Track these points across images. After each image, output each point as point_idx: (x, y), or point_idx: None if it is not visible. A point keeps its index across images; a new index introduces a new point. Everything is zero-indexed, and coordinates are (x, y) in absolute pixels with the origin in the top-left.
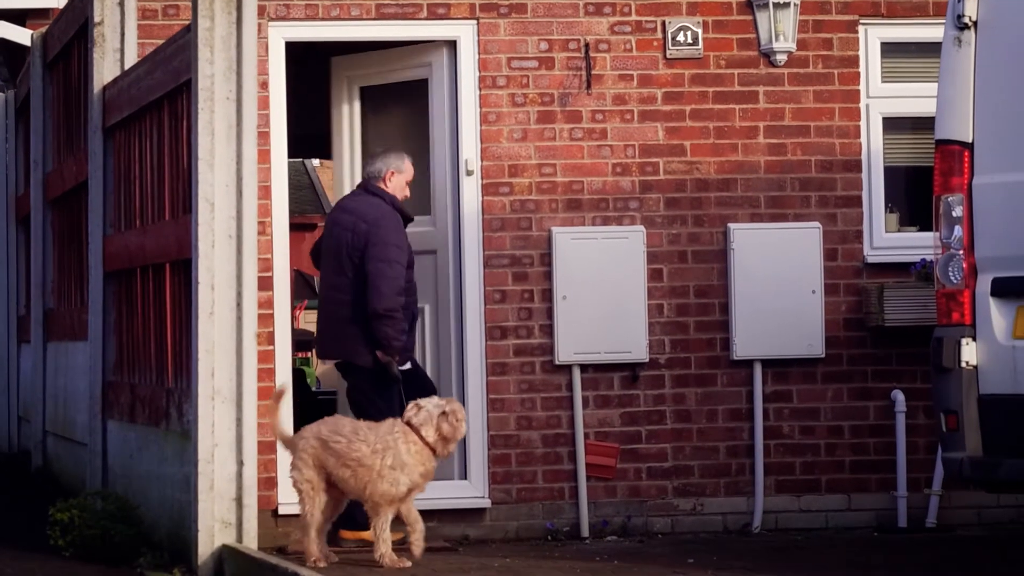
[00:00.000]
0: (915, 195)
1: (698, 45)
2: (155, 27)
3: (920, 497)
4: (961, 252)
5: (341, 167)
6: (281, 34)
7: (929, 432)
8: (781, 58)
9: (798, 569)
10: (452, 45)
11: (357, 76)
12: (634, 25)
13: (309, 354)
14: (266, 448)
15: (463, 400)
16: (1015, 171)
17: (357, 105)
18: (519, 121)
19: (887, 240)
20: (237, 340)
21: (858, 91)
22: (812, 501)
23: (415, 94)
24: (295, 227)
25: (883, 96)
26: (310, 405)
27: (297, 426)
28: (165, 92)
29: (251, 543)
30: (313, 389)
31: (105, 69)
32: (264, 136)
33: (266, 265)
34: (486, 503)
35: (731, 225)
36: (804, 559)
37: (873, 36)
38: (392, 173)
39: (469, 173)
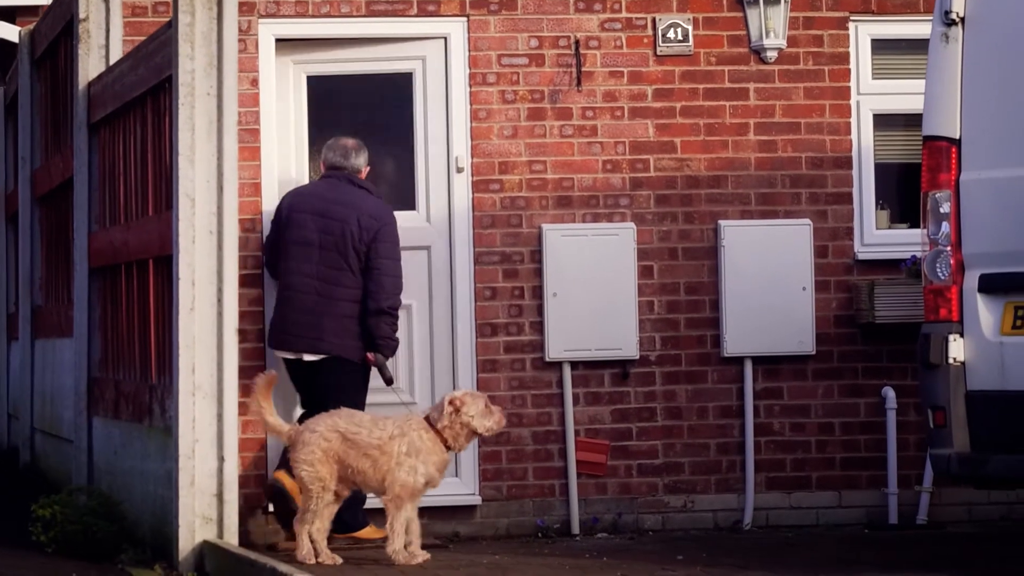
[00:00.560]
0: (906, 192)
1: (688, 42)
2: (144, 24)
3: (911, 494)
4: (948, 248)
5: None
6: (271, 31)
7: (920, 429)
8: (771, 55)
9: (788, 566)
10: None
11: (305, 62)
12: (624, 22)
13: None
14: (257, 445)
15: None
16: (1002, 167)
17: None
18: (509, 118)
19: (878, 237)
20: (218, 336)
21: (848, 88)
22: (803, 498)
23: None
24: None
25: (874, 93)
26: None
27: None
28: (148, 88)
29: (232, 539)
30: None
31: (90, 65)
32: (254, 133)
33: (257, 262)
34: (476, 500)
35: (721, 222)
36: (794, 556)
37: (863, 33)
38: (368, 168)
39: (459, 170)
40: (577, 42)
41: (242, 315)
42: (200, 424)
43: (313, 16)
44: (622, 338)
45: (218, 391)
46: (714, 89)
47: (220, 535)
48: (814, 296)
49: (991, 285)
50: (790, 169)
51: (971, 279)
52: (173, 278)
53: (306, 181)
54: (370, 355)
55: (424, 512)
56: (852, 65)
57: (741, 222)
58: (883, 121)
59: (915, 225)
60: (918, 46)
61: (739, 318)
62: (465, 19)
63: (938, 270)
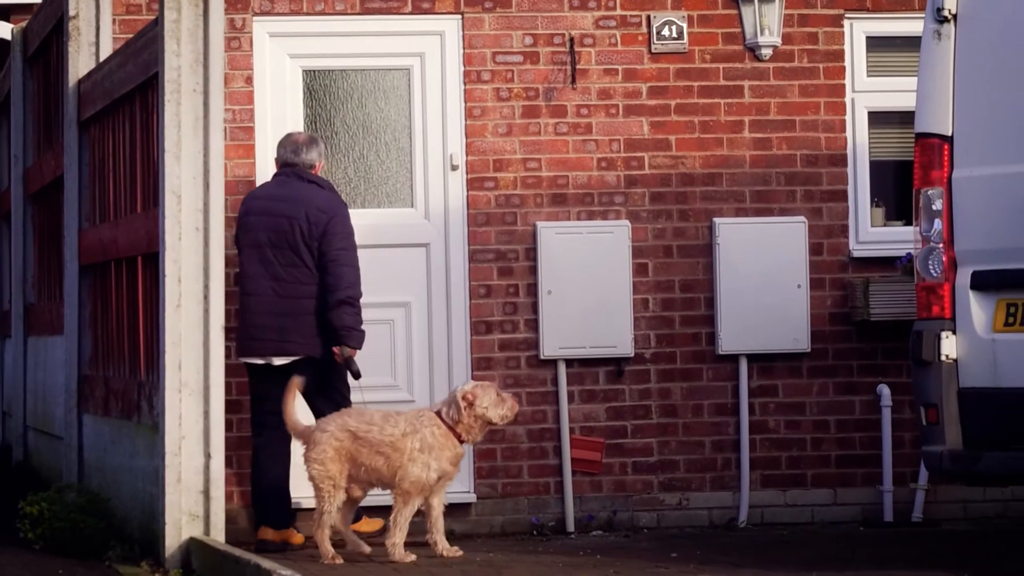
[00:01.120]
0: (901, 189)
1: (683, 39)
2: (139, 21)
3: (906, 491)
4: (941, 246)
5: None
6: (266, 29)
7: (915, 426)
8: (766, 52)
9: (783, 563)
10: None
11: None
12: (619, 19)
13: None
14: (249, 443)
15: None
16: (995, 164)
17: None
18: (504, 116)
19: (872, 234)
20: (204, 333)
21: (843, 85)
22: (798, 495)
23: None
24: None
25: (868, 90)
26: None
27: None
28: (136, 85)
29: (219, 536)
30: None
31: (80, 63)
32: (249, 131)
33: None
34: (471, 498)
35: (716, 219)
36: (789, 553)
37: (858, 30)
38: (321, 164)
39: (454, 168)
40: (572, 40)
41: (236, 313)
42: (187, 421)
43: (308, 14)
44: (617, 336)
45: (204, 388)
46: (709, 87)
47: (207, 532)
48: (809, 294)
49: (983, 282)
50: (785, 167)
51: (963, 276)
52: (159, 275)
53: None
54: (336, 349)
55: (421, 510)
56: (847, 62)
57: (736, 220)
58: (878, 119)
59: (910, 223)
60: (913, 43)
61: (734, 316)
62: (460, 17)
63: (930, 267)
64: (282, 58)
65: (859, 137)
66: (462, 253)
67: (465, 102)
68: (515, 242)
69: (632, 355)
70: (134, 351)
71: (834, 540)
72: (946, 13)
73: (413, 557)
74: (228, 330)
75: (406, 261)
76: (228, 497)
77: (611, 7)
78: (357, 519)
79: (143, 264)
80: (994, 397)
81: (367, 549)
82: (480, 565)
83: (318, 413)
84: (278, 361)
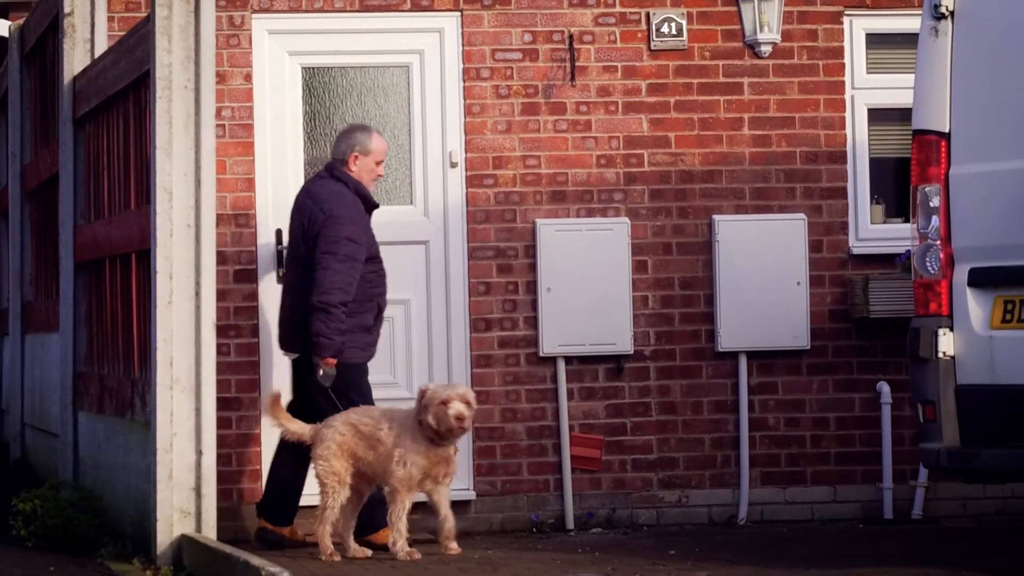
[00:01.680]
0: (901, 186)
1: (682, 36)
2: (138, 19)
3: (906, 489)
4: (938, 242)
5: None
6: (265, 26)
7: (914, 424)
8: (766, 49)
9: (781, 560)
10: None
11: (300, 54)
12: (618, 17)
13: None
14: (251, 440)
15: None
16: (992, 161)
17: (299, 86)
18: (503, 113)
19: (872, 231)
20: (196, 330)
21: (843, 82)
22: (798, 493)
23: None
24: None
25: (868, 87)
26: None
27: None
28: (130, 82)
29: (210, 533)
30: None
31: (75, 60)
32: (248, 128)
33: (251, 257)
34: (471, 495)
35: (716, 217)
36: (788, 551)
37: (858, 27)
38: (356, 156)
39: (453, 165)
40: (571, 37)
41: (237, 310)
42: (178, 418)
43: (307, 11)
44: (616, 333)
45: (196, 385)
46: (708, 84)
47: (198, 529)
48: (808, 291)
49: (981, 279)
50: (784, 164)
51: (961, 273)
52: (151, 272)
53: (301, 175)
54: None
55: (418, 507)
56: (846, 59)
57: (735, 217)
58: (878, 116)
59: (910, 220)
60: (913, 40)
61: (733, 313)
62: (459, 14)
63: (928, 264)
64: (281, 55)
65: (859, 134)
66: (461, 250)
67: (464, 99)
68: (514, 239)
69: (631, 352)
70: (128, 348)
71: (833, 537)
72: (943, 10)
73: (418, 556)
74: (236, 328)
75: (405, 258)
76: (228, 495)
77: (610, 4)
78: (377, 529)
79: (137, 261)
80: (991, 394)
81: (366, 553)
82: (478, 562)
83: (322, 413)
84: (289, 356)
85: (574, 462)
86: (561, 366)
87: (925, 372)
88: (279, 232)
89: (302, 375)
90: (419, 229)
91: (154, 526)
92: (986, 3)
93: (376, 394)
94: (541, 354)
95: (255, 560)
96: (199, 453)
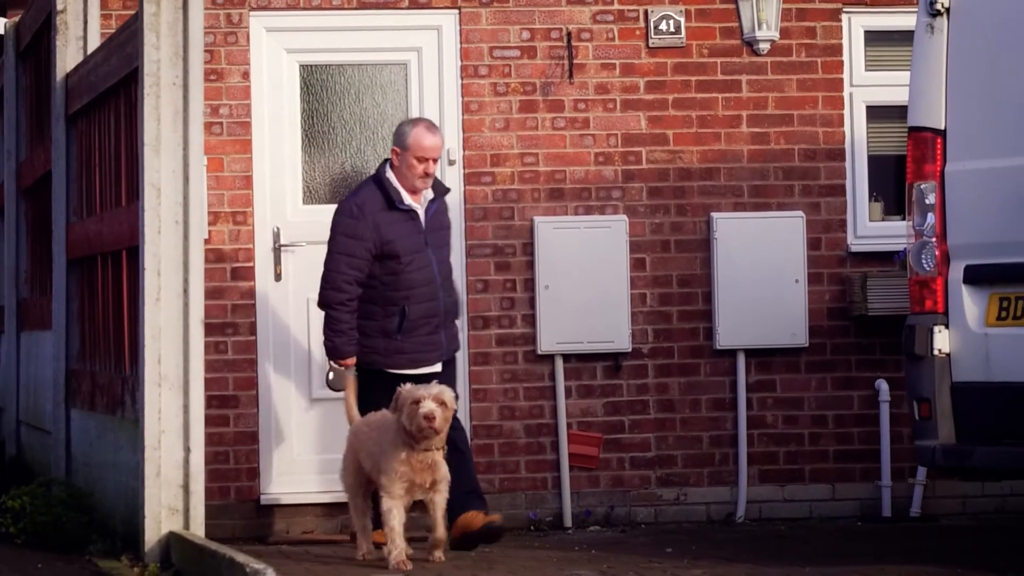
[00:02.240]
0: (899, 184)
1: (681, 34)
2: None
3: (904, 486)
4: (934, 240)
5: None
6: (263, 24)
7: (910, 421)
8: (764, 47)
9: (778, 558)
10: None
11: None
12: (616, 14)
13: None
14: (248, 438)
15: None
16: (987, 158)
17: (296, 83)
18: (501, 110)
19: (871, 229)
20: (184, 327)
21: (841, 80)
22: (796, 491)
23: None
24: None
25: (867, 84)
26: None
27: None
28: (120, 78)
29: (198, 530)
30: None
31: (68, 57)
32: (246, 126)
33: (248, 255)
34: None
35: (714, 214)
36: (785, 548)
37: (856, 24)
38: (395, 151)
39: (451, 163)
40: (569, 34)
41: (234, 308)
42: (166, 415)
43: (305, 8)
44: (614, 331)
45: (184, 382)
46: (706, 81)
47: (186, 526)
48: (807, 288)
49: (976, 276)
50: (783, 161)
51: (956, 270)
52: (139, 268)
53: (299, 173)
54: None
55: (415, 504)
56: (845, 57)
57: (734, 214)
58: (876, 113)
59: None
60: (911, 38)
61: (732, 310)
62: (457, 11)
63: (923, 261)
64: (279, 53)
65: (857, 131)
66: (459, 248)
67: (462, 97)
68: (512, 237)
69: (630, 350)
70: (119, 345)
71: (831, 535)
72: (939, 7)
73: (409, 567)
74: (233, 326)
75: None
76: (225, 493)
77: (608, 2)
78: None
79: (128, 258)
80: (987, 391)
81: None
82: (473, 560)
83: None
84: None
85: (572, 460)
86: (559, 364)
87: (920, 369)
88: (277, 230)
89: (362, 384)
90: None
91: (142, 523)
92: (981, 0)
93: None
94: (539, 352)
95: (240, 557)
96: (187, 450)
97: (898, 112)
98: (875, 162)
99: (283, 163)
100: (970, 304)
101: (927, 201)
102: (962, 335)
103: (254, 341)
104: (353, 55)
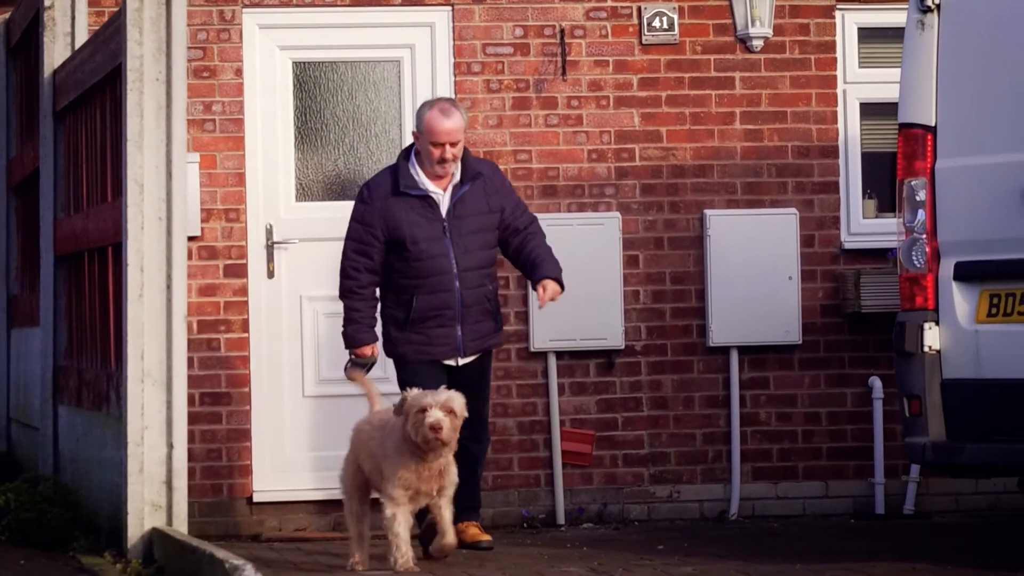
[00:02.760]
0: (893, 181)
1: (674, 31)
2: None
3: (898, 484)
4: (924, 236)
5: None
6: (255, 21)
7: (900, 418)
8: (757, 44)
9: (770, 555)
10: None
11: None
12: (610, 11)
13: None
14: (241, 435)
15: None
16: (978, 155)
17: (289, 80)
18: (494, 107)
19: (864, 226)
20: (167, 322)
21: (835, 77)
22: (789, 488)
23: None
24: None
25: (860, 81)
26: None
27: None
28: (106, 75)
29: (181, 526)
30: None
31: (56, 53)
32: (239, 123)
33: (241, 252)
34: None
35: (707, 211)
36: (777, 546)
37: (850, 21)
38: (415, 135)
39: None
40: (562, 31)
41: (227, 305)
42: (149, 411)
43: (298, 6)
44: (607, 328)
45: (167, 378)
46: (700, 78)
47: (169, 522)
48: (800, 285)
49: (967, 273)
50: (776, 158)
51: (947, 267)
52: (122, 264)
53: (292, 170)
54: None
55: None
56: (839, 54)
57: (727, 211)
58: (870, 110)
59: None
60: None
61: (725, 308)
62: (450, 8)
63: (914, 258)
64: (272, 50)
65: (851, 129)
66: None
67: (455, 94)
68: None
69: (623, 347)
70: (105, 342)
71: (824, 532)
72: (929, 3)
73: (416, 571)
74: (227, 323)
75: None
76: (218, 490)
77: None
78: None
79: (113, 254)
80: (977, 388)
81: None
82: (465, 556)
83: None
84: None
85: (565, 457)
86: (552, 361)
87: (911, 366)
88: (269, 227)
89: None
90: None
91: (125, 519)
92: None
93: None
94: (532, 349)
95: (220, 553)
96: (170, 446)
97: (892, 109)
98: (869, 159)
99: (276, 160)
100: (960, 301)
101: (918, 198)
102: (952, 332)
103: (247, 338)
104: (346, 52)
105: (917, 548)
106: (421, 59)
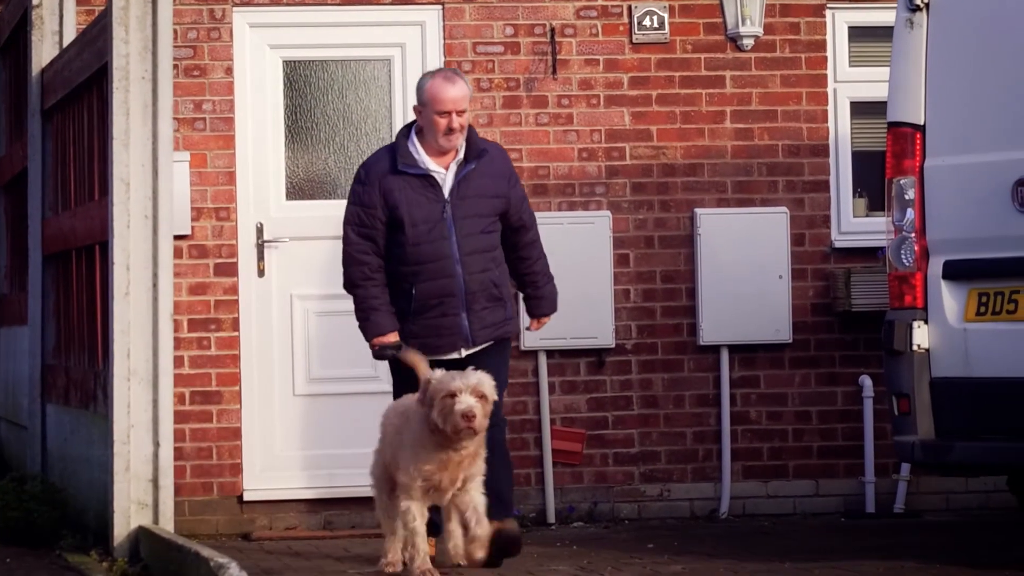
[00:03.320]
0: (883, 180)
1: (664, 29)
2: None
3: (888, 482)
4: (913, 235)
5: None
6: (246, 19)
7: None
8: (748, 42)
9: (759, 554)
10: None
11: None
12: (600, 10)
13: None
14: (231, 434)
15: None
16: (966, 153)
17: (280, 79)
18: (485, 106)
19: (855, 225)
20: (153, 321)
21: (825, 75)
22: (780, 487)
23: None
24: None
25: (851, 80)
26: None
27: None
28: (92, 73)
29: (167, 524)
30: None
31: (44, 52)
32: (229, 122)
33: (231, 251)
34: None
35: (698, 210)
36: (767, 544)
37: (840, 20)
38: (417, 109)
39: None
40: (552, 30)
41: (217, 304)
42: (135, 409)
43: (288, 4)
44: (598, 327)
45: (153, 376)
46: (690, 77)
47: (156, 521)
48: (791, 284)
49: (955, 272)
50: (767, 157)
51: (935, 266)
52: (108, 263)
53: (282, 169)
54: None
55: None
56: (829, 53)
57: (717, 210)
58: (860, 109)
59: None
60: None
61: (715, 306)
62: (440, 7)
63: (903, 257)
64: (262, 49)
65: (841, 127)
66: None
67: None
68: None
69: (613, 346)
70: (92, 340)
71: (814, 531)
72: (919, 2)
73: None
74: (216, 321)
75: None
76: (208, 488)
77: None
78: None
79: (100, 253)
80: (966, 387)
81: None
82: (452, 556)
83: None
84: None
85: (556, 456)
86: (543, 360)
87: (900, 365)
88: (260, 225)
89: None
90: None
91: (111, 518)
92: None
93: (355, 388)
94: (523, 348)
95: (205, 551)
96: (156, 445)
97: (882, 108)
98: (859, 158)
99: (266, 159)
100: (949, 299)
101: (906, 197)
102: (941, 331)
103: (237, 337)
104: (336, 51)
105: (907, 547)
106: (411, 58)
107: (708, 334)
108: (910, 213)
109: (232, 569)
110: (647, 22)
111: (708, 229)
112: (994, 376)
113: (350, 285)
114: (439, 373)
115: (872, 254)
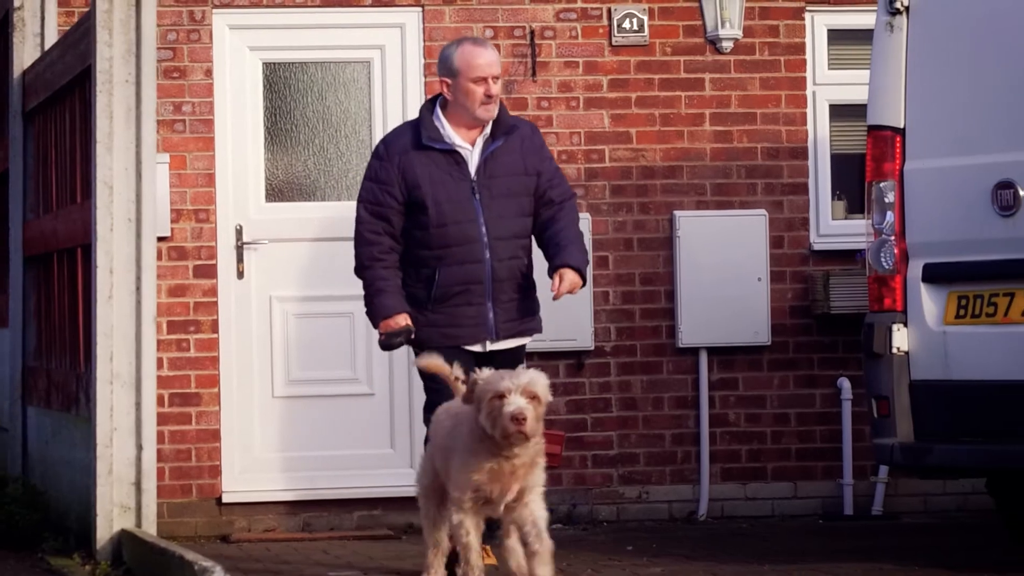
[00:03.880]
0: (862, 182)
1: (644, 32)
2: None
3: (866, 485)
4: (893, 238)
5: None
6: (226, 21)
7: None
8: (727, 45)
9: (736, 556)
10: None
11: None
12: (580, 12)
13: None
14: (210, 436)
15: (409, 391)
16: (946, 156)
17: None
18: None
19: (834, 227)
20: (136, 324)
21: (804, 78)
22: (758, 489)
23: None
24: None
25: (830, 83)
26: None
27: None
28: (75, 76)
29: (150, 528)
30: None
31: (25, 54)
32: (208, 124)
33: (211, 252)
34: None
35: (677, 212)
36: (744, 546)
37: (820, 23)
38: (445, 84)
39: None
40: (532, 32)
41: (196, 306)
42: (118, 413)
43: (268, 6)
44: (577, 329)
45: (136, 380)
46: (669, 80)
47: (138, 524)
48: (769, 287)
49: (935, 275)
50: (746, 160)
51: (915, 268)
52: (91, 266)
53: (261, 171)
54: None
55: (377, 503)
56: (808, 55)
57: (696, 213)
58: (839, 112)
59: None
60: None
61: (694, 309)
62: (420, 9)
63: (882, 259)
64: (242, 50)
65: (820, 130)
66: None
67: (426, 95)
68: None
69: (592, 348)
70: (74, 343)
71: (792, 533)
72: (898, 5)
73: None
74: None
75: None
76: (187, 491)
77: (572, 0)
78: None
79: (82, 255)
80: (945, 390)
81: None
82: None
83: None
84: None
85: None
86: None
87: (879, 368)
88: (239, 228)
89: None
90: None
91: (94, 521)
92: None
93: (335, 390)
94: None
95: (189, 555)
96: (139, 448)
97: (861, 111)
98: (838, 161)
99: (246, 161)
100: (929, 302)
101: (886, 199)
102: (921, 333)
103: (216, 339)
104: (316, 53)
105: (885, 549)
106: (391, 60)
107: (687, 336)
108: (890, 216)
109: (217, 573)
110: (627, 24)
111: (687, 231)
112: (973, 379)
113: (359, 268)
114: (486, 372)
115: (851, 256)
